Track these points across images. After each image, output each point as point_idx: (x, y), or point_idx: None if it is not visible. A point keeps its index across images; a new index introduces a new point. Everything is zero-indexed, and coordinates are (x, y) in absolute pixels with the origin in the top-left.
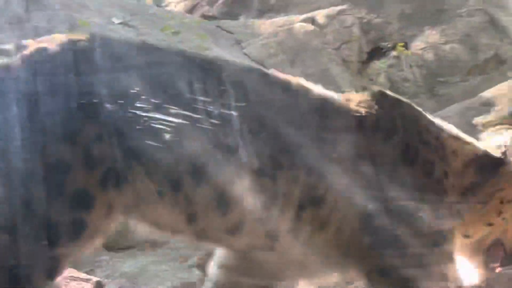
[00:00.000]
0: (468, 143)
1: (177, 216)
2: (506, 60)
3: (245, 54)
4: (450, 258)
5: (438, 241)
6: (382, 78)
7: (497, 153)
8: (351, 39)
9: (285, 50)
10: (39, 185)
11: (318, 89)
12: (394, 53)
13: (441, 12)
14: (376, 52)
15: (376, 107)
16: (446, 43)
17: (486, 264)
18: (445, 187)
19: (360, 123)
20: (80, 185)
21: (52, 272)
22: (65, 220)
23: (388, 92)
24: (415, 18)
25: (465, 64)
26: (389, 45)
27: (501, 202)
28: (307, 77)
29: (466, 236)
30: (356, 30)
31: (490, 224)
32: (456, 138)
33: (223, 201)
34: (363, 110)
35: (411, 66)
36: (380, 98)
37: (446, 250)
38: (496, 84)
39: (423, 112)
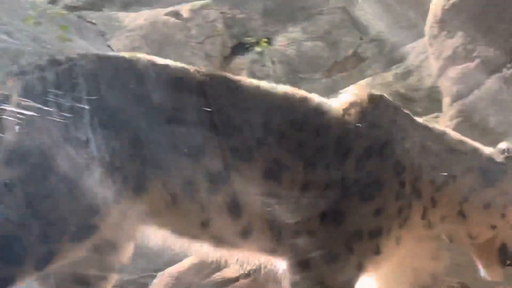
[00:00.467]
0: (468, 153)
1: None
2: (365, 58)
3: (109, 46)
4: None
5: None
6: (245, 73)
7: (500, 158)
8: (214, 34)
9: (149, 43)
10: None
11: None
12: (257, 48)
13: (303, 9)
14: (240, 47)
15: (366, 104)
16: (307, 40)
17: (499, 264)
18: (405, 193)
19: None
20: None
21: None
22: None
23: (388, 99)
24: (278, 15)
25: (326, 61)
26: (252, 41)
27: (505, 206)
28: None
29: (471, 237)
30: (219, 25)
31: (493, 227)
32: (442, 160)
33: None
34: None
35: (273, 62)
36: (376, 99)
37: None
38: (356, 82)
39: (421, 127)
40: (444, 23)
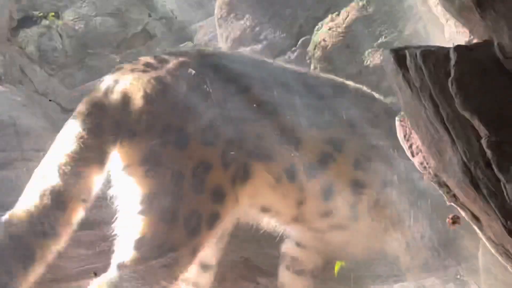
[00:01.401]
0: None
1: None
2: (154, 36)
3: None
4: None
5: None
6: (32, 47)
7: None
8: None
9: None
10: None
11: None
12: (45, 22)
13: None
14: (27, 20)
15: None
16: (97, 15)
17: None
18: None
19: None
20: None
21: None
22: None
23: None
24: None
25: (115, 38)
26: (40, 14)
27: None
28: None
29: None
30: None
31: None
32: None
33: None
34: None
35: (61, 36)
36: None
37: None
38: None
39: None
40: (233, 5)
